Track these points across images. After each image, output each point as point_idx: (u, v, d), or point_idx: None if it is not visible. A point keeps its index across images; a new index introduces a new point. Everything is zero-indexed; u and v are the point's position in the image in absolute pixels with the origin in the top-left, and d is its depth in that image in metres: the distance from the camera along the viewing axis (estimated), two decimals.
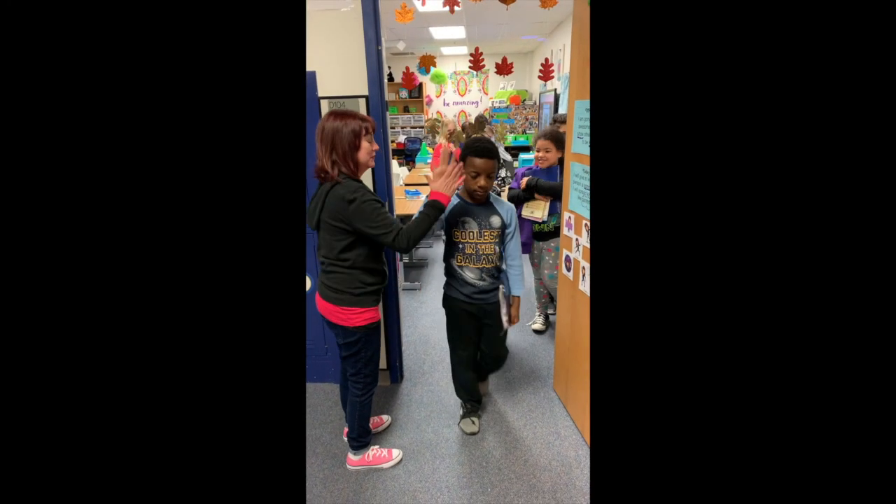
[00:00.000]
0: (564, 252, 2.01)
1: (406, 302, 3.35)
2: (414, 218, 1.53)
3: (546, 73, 4.48)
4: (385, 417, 2.05)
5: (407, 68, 2.65)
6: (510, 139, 7.33)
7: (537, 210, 2.47)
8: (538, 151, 2.47)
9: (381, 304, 1.68)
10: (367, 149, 1.52)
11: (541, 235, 2.55)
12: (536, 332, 2.88)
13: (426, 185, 2.71)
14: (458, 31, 6.38)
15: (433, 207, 1.52)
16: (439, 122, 6.57)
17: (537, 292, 2.84)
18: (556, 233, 2.46)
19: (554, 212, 2.44)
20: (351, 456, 1.81)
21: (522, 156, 6.19)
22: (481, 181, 1.68)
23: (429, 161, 6.34)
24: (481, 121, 5.56)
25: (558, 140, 2.39)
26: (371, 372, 1.69)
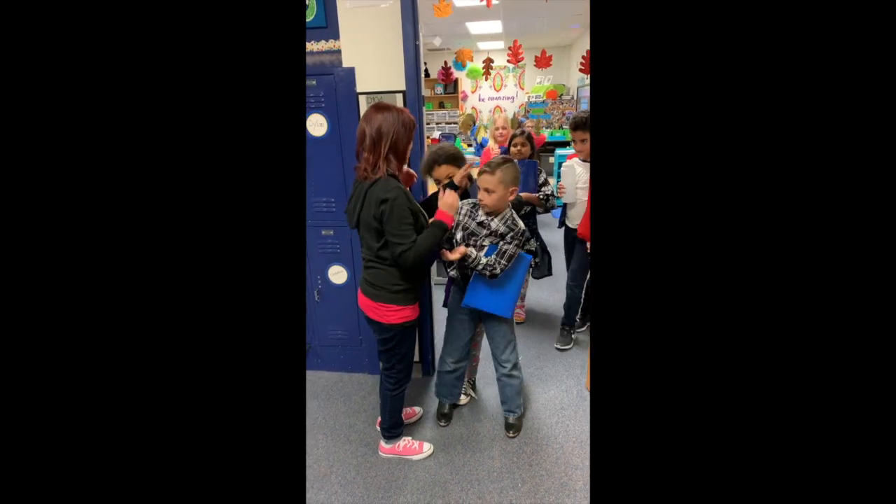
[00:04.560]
0: None
1: (439, 296, 3.37)
2: (421, 236, 1.51)
3: (588, 65, 4.38)
4: (417, 409, 2.07)
5: (445, 62, 2.68)
6: (546, 134, 7.22)
7: None
8: (515, 147, 2.47)
9: (418, 303, 1.68)
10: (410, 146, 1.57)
11: None
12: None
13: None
14: (496, 26, 6.32)
15: (438, 227, 1.55)
16: (472, 117, 6.54)
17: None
18: None
19: None
20: (383, 444, 1.85)
21: (559, 151, 6.09)
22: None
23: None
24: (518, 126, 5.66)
25: (530, 138, 2.45)
26: (404, 368, 1.72)
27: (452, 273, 1.83)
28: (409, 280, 1.59)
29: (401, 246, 1.45)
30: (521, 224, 1.72)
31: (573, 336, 2.64)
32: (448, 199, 1.61)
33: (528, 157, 2.42)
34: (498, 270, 1.65)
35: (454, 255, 1.64)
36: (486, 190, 1.65)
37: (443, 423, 2.02)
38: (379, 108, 1.50)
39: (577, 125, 2.29)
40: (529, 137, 2.45)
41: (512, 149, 2.46)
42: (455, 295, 1.88)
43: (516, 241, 1.69)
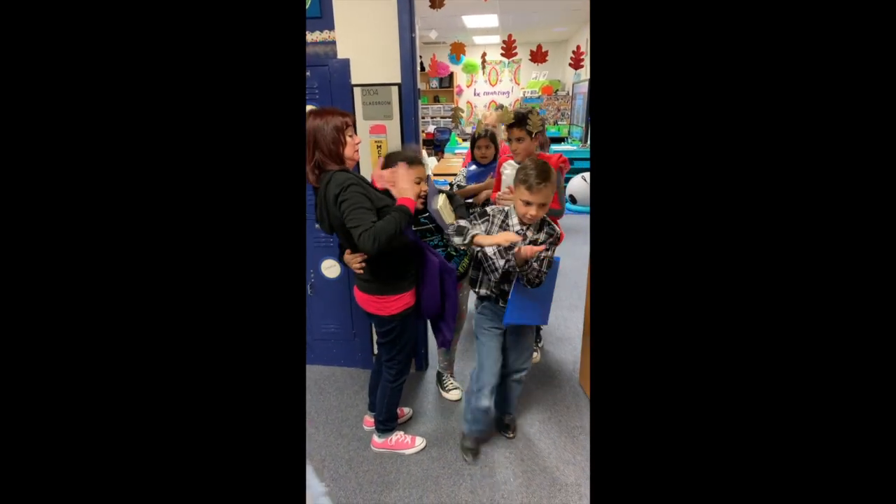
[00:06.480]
0: None
1: None
2: (381, 220, 1.40)
3: (577, 61, 4.39)
4: (406, 410, 2.05)
5: (434, 56, 2.64)
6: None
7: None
8: (479, 150, 2.23)
9: (414, 288, 1.65)
10: (350, 144, 1.49)
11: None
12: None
13: (455, 174, 2.64)
14: (491, 20, 6.29)
15: (400, 212, 1.42)
16: (462, 110, 6.53)
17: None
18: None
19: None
20: (375, 438, 1.85)
21: (554, 147, 6.10)
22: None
23: (457, 151, 6.30)
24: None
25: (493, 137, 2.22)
26: (405, 359, 1.72)
27: (483, 292, 1.66)
28: (403, 264, 1.58)
29: (357, 229, 1.35)
30: (557, 228, 1.63)
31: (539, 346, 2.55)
32: (403, 183, 1.49)
33: (492, 158, 2.22)
34: (543, 278, 1.54)
35: (531, 250, 1.42)
36: (542, 205, 1.48)
37: (468, 459, 1.80)
38: (310, 114, 1.48)
39: (514, 121, 1.90)
40: (493, 138, 2.23)
41: (476, 151, 2.24)
42: (483, 312, 1.70)
43: (553, 247, 1.58)
